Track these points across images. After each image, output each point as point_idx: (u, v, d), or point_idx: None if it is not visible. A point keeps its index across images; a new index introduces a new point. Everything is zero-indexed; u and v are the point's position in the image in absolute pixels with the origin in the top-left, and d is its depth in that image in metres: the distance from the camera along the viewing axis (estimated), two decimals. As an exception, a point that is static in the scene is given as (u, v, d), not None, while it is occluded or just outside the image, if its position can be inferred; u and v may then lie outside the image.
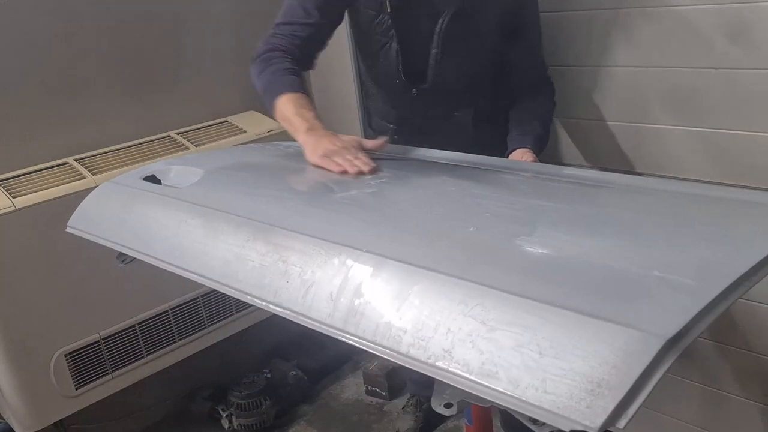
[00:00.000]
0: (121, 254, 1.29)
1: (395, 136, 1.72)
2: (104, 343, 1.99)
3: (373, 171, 1.30)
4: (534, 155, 1.54)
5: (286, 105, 1.45)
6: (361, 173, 1.29)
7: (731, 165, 1.63)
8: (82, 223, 1.34)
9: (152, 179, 1.41)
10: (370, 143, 1.43)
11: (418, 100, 1.67)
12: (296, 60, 1.54)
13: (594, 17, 1.74)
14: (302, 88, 1.50)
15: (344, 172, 1.30)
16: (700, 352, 1.81)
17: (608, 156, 1.83)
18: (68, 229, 1.34)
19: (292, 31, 1.54)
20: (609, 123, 1.82)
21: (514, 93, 1.70)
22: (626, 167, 1.80)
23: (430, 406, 2.16)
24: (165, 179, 1.42)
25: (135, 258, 1.24)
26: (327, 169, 1.33)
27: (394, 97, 1.72)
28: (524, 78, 1.69)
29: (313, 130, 1.40)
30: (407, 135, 1.69)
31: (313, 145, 1.38)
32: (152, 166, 1.49)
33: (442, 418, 2.22)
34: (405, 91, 1.66)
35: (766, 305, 1.66)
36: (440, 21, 1.55)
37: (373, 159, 1.36)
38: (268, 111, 1.52)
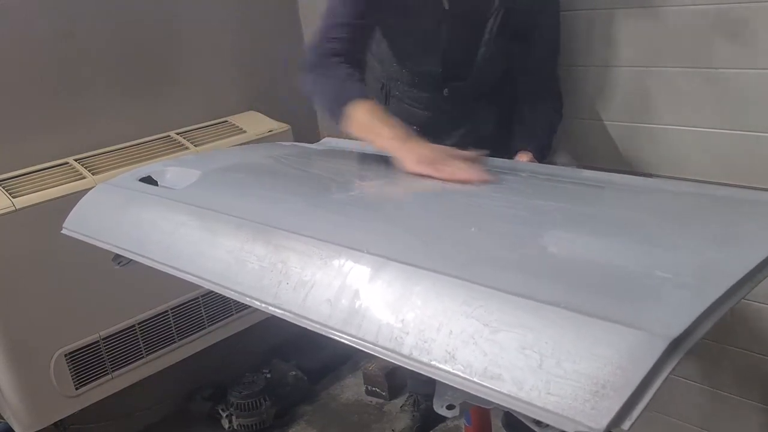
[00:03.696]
0: (117, 256, 1.28)
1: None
2: (104, 343, 1.99)
3: (487, 182, 1.24)
4: (532, 157, 1.54)
5: (361, 112, 1.40)
6: (482, 181, 1.24)
7: (732, 165, 1.62)
8: (78, 225, 1.33)
9: (148, 180, 1.40)
10: (464, 153, 1.35)
11: (448, 99, 1.66)
12: (354, 65, 1.49)
13: (595, 17, 1.73)
14: (369, 94, 1.45)
15: (457, 181, 1.24)
16: (700, 352, 1.81)
17: (608, 156, 1.83)
18: (64, 231, 1.33)
19: (344, 33, 1.49)
20: (609, 123, 1.81)
21: (522, 97, 1.69)
22: (626, 167, 1.80)
23: (428, 405, 2.18)
24: (161, 180, 1.41)
25: (131, 260, 1.23)
26: (432, 177, 1.27)
27: (422, 97, 1.70)
28: (535, 83, 1.68)
29: (402, 137, 1.36)
30: (431, 135, 1.68)
31: (407, 152, 1.33)
32: (148, 167, 1.48)
33: (441, 418, 2.21)
34: (437, 91, 1.65)
35: (765, 305, 1.66)
36: (491, 21, 1.54)
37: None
38: (333, 119, 1.45)
